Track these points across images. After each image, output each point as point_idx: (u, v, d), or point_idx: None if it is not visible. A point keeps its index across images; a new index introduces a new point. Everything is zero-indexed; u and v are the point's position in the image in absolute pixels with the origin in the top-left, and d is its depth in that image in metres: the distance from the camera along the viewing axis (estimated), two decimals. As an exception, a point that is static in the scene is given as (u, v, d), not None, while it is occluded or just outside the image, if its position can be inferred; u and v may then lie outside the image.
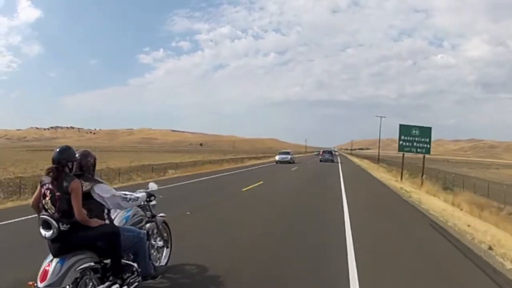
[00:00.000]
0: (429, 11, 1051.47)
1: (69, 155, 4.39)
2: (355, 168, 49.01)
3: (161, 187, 6.87)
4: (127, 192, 5.24)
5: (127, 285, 4.67)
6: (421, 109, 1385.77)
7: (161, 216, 6.12)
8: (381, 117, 71.68)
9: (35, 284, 3.98)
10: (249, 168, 39.25)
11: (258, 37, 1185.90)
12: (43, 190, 4.28)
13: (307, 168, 42.60)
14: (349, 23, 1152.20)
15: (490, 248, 8.49)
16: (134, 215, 5.40)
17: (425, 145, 28.79)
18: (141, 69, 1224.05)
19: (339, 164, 51.89)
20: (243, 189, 18.56)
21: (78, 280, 4.18)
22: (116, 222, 5.01)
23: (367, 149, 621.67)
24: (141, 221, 5.51)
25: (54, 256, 4.15)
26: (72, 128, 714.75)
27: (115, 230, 4.55)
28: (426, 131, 29.00)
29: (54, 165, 4.28)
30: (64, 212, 4.15)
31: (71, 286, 4.08)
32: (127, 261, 4.79)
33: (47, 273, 4.00)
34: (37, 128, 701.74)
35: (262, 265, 6.76)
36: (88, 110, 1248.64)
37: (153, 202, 5.93)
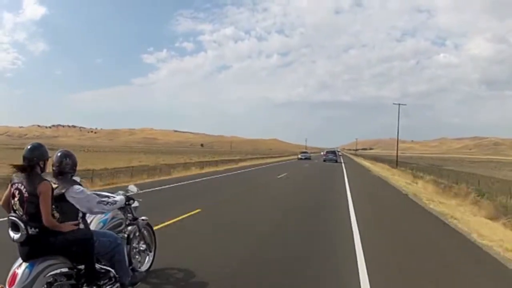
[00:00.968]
0: (432, 11, 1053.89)
1: (41, 153, 4.12)
2: (377, 187, 24.54)
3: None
4: (108, 194, 5.02)
5: None
6: (424, 108, 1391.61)
7: (143, 219, 5.83)
8: (399, 104, 60.37)
9: None
10: (230, 173, 31.57)
11: (262, 38, 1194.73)
12: (12, 190, 4.04)
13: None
14: (352, 24, 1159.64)
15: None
16: (113, 218, 5.14)
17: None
18: (145, 69, 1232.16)
19: (345, 175, 31.38)
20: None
21: (49, 286, 3.94)
22: (93, 226, 4.76)
23: (370, 149, 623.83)
24: (120, 224, 5.25)
25: (24, 260, 3.93)
26: (74, 127, 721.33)
27: (88, 236, 4.26)
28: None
29: (24, 164, 4.03)
30: (32, 215, 3.89)
31: None
32: (104, 267, 4.53)
33: (15, 278, 3.79)
34: (38, 126, 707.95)
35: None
36: (91, 108, 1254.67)
37: (135, 204, 5.66)
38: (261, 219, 11.29)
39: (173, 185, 20.11)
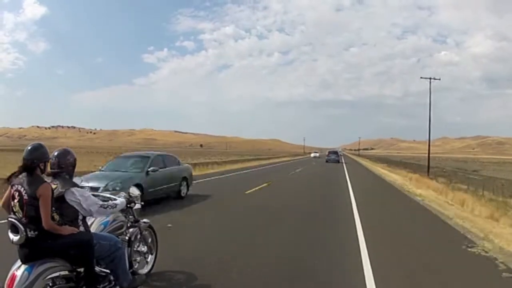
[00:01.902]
0: (432, 8, 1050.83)
1: (41, 154, 4.07)
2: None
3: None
4: (109, 196, 5.07)
5: None
6: (426, 107, 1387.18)
7: (144, 222, 5.84)
8: (430, 78, 40.72)
9: None
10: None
11: (262, 37, 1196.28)
12: (12, 191, 3.99)
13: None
14: (353, 22, 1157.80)
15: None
16: (114, 220, 5.10)
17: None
18: (146, 68, 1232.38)
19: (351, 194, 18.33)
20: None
21: None
22: (93, 228, 4.71)
23: (371, 149, 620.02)
24: (121, 226, 5.21)
25: (23, 262, 3.89)
26: (74, 127, 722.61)
27: (87, 238, 4.22)
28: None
29: (23, 165, 3.99)
30: (32, 218, 3.86)
31: None
32: (103, 270, 4.50)
33: (14, 280, 3.76)
34: (38, 127, 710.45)
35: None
36: (91, 109, 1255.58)
37: (137, 206, 5.59)
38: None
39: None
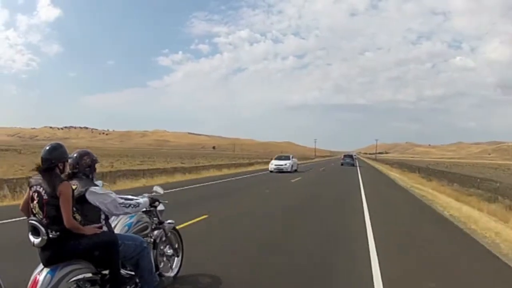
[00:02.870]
0: (447, 14, 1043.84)
1: (60, 154, 3.97)
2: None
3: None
4: (129, 196, 4.90)
5: None
6: (440, 112, 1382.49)
7: (169, 223, 5.67)
8: None
9: None
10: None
11: (277, 40, 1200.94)
12: (31, 193, 3.90)
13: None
14: (368, 27, 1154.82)
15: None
16: (138, 221, 4.99)
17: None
18: (160, 71, 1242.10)
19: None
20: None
21: None
22: (117, 230, 4.63)
23: (386, 153, 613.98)
24: (145, 228, 5.09)
25: (45, 265, 3.77)
26: (86, 128, 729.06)
27: (112, 239, 4.09)
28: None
29: (42, 165, 3.88)
30: (53, 218, 3.73)
31: None
32: (129, 272, 4.45)
33: (36, 284, 3.63)
34: (51, 127, 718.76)
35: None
36: (105, 111, 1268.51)
37: (161, 207, 5.50)
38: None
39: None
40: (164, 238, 5.48)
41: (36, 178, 3.89)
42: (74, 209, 3.82)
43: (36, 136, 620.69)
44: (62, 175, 3.97)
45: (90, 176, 4.28)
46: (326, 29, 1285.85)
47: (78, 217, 3.87)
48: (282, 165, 36.84)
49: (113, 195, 4.23)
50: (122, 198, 4.44)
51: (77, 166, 4.20)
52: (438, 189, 24.05)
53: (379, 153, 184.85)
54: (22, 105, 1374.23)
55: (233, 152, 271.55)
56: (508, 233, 10.21)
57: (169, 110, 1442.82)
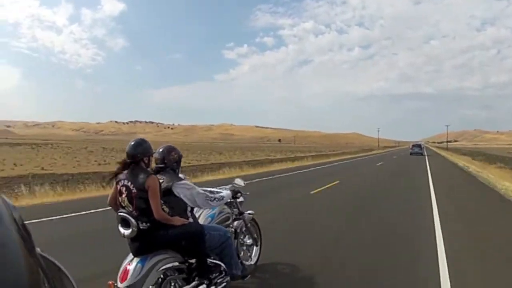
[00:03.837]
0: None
1: (144, 149, 4.15)
2: None
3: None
4: (212, 189, 5.08)
5: (214, 285, 4.45)
6: (507, 98, 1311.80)
7: (249, 213, 5.86)
8: None
9: (115, 284, 3.83)
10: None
11: (342, 31, 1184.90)
12: (118, 187, 4.09)
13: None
14: (432, 15, 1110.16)
15: None
16: (220, 212, 5.20)
17: None
18: (226, 64, 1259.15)
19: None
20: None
21: (161, 280, 4.02)
22: (200, 221, 4.81)
23: (455, 141, 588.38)
24: (227, 219, 5.30)
25: (135, 255, 3.98)
26: (152, 122, 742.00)
27: (199, 229, 4.31)
28: None
29: (128, 160, 4.09)
30: (142, 210, 3.94)
31: (153, 286, 3.92)
32: (214, 261, 4.56)
33: (127, 273, 3.82)
34: (116, 122, 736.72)
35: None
36: (171, 105, 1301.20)
37: (241, 199, 5.71)
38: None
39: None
40: (244, 229, 5.68)
41: (124, 172, 4.05)
42: (162, 201, 4.00)
43: (101, 130, 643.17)
44: (150, 169, 4.16)
45: (177, 171, 4.48)
46: (390, 19, 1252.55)
47: (166, 209, 4.05)
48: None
49: (198, 189, 4.38)
50: (206, 191, 4.57)
51: (165, 161, 4.39)
52: None
53: (448, 141, 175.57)
54: (87, 99, 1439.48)
55: (294, 145, 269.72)
56: None
57: (235, 104, 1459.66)
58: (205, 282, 4.30)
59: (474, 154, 67.25)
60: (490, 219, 10.48)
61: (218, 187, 5.38)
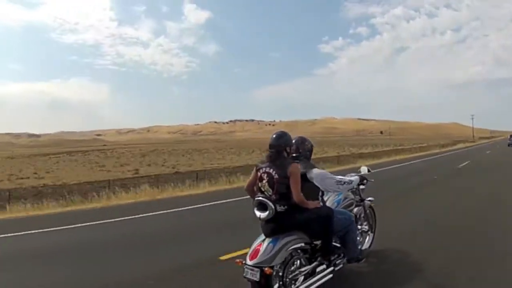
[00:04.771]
0: None
1: (286, 140, 4.54)
2: None
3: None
4: (340, 176, 5.20)
5: (333, 266, 4.75)
6: None
7: (369, 200, 6.14)
8: None
9: (243, 262, 4.19)
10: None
11: (432, 15, 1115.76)
12: (259, 174, 4.48)
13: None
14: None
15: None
16: (345, 198, 5.53)
17: None
18: (323, 58, 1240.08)
19: None
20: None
21: (288, 259, 4.28)
22: (328, 205, 5.07)
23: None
24: (351, 204, 5.62)
25: (267, 236, 4.29)
26: (252, 120, 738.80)
27: (329, 213, 4.61)
28: None
29: (272, 150, 4.45)
30: (282, 195, 4.30)
31: (279, 265, 4.19)
32: (335, 243, 4.86)
33: (258, 252, 4.13)
34: (215, 122, 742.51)
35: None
36: (270, 102, 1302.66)
37: (362, 186, 5.96)
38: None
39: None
40: (363, 215, 6.00)
41: (263, 161, 4.50)
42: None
43: (200, 131, 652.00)
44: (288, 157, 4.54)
45: (309, 159, 5.02)
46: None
47: (301, 194, 4.33)
48: None
49: (330, 174, 4.84)
50: (336, 177, 4.88)
51: (300, 150, 4.95)
52: None
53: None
54: (185, 103, 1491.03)
55: (393, 137, 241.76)
56: None
57: (336, 97, 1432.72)
58: (325, 262, 4.63)
59: None
60: None
61: (347, 175, 5.53)
